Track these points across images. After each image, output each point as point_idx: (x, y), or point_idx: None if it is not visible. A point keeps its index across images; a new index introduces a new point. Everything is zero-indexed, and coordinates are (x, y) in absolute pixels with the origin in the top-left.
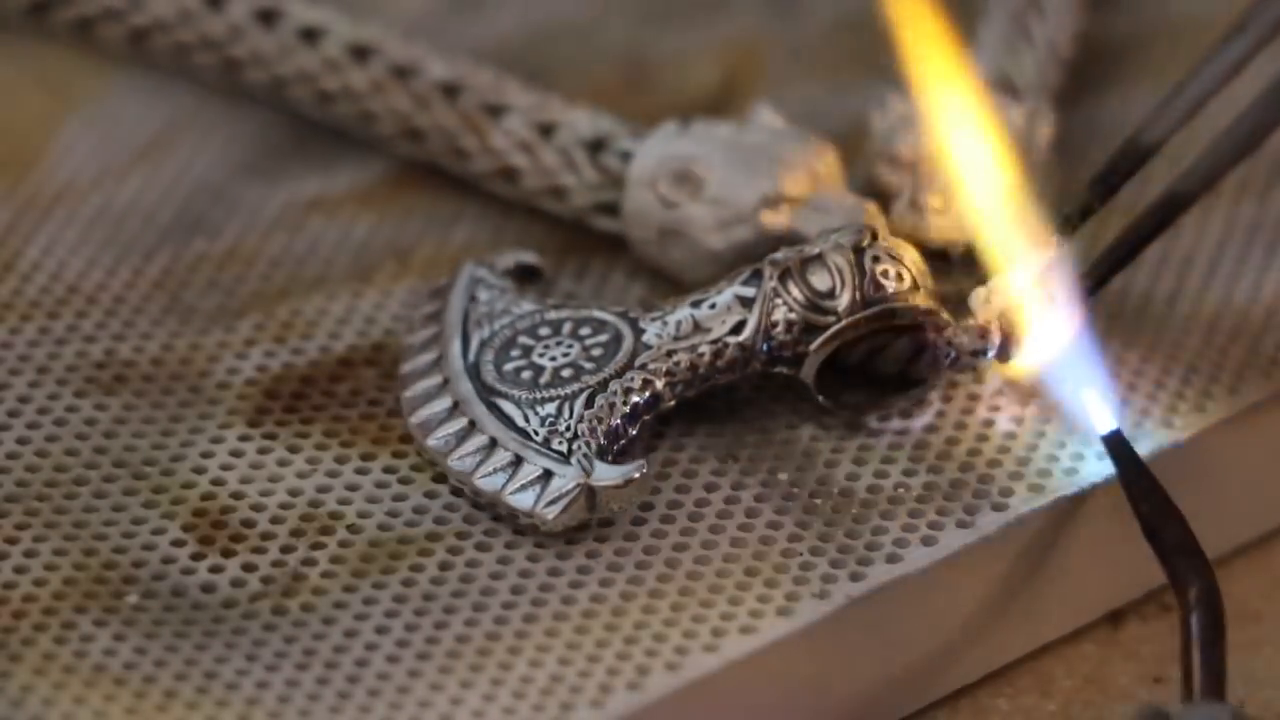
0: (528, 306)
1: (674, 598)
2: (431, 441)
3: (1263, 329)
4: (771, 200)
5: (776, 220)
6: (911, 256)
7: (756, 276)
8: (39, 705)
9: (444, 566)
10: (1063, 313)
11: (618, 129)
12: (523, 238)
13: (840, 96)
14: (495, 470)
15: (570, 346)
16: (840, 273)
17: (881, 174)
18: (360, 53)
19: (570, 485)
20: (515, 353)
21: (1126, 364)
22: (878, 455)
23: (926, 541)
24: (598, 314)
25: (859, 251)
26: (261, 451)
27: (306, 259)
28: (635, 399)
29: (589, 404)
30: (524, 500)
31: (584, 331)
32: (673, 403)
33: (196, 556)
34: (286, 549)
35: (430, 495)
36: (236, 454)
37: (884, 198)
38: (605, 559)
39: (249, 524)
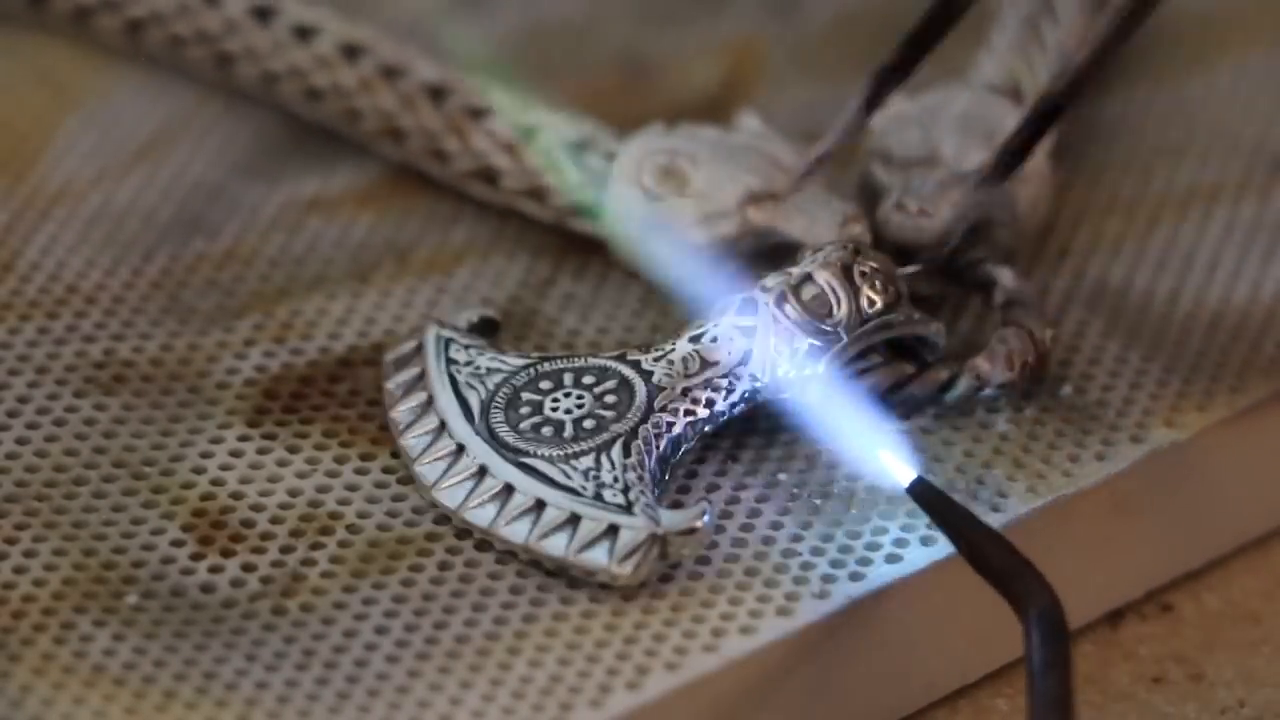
0: (516, 361)
1: (674, 598)
2: (470, 514)
3: (1263, 329)
4: (756, 196)
5: (760, 217)
6: (892, 270)
7: (750, 304)
8: (38, 705)
9: (443, 566)
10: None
11: (600, 132)
12: (521, 237)
13: (840, 96)
14: (552, 531)
15: (581, 397)
16: (834, 290)
17: (875, 172)
18: (351, 51)
19: (642, 537)
20: (525, 410)
21: (1127, 364)
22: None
23: (926, 541)
24: (594, 362)
25: (847, 268)
26: (261, 451)
27: (305, 259)
28: (666, 440)
29: (626, 452)
30: (596, 558)
31: (587, 380)
32: (695, 441)
33: (196, 557)
34: (286, 549)
35: None
36: (236, 454)
37: (876, 196)
38: None
39: (248, 524)
